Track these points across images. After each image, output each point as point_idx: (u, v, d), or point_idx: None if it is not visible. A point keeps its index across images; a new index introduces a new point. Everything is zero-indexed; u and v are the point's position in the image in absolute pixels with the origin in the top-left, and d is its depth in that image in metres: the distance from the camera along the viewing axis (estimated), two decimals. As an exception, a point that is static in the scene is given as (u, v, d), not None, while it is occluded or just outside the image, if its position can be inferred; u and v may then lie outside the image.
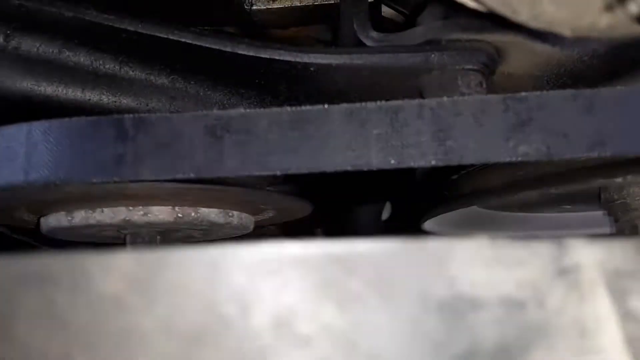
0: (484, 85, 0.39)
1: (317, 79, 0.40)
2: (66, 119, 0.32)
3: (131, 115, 0.32)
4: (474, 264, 0.20)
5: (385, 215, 1.08)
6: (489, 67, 0.40)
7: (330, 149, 0.32)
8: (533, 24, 0.31)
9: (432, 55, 0.38)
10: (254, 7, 0.47)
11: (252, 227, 0.45)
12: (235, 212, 0.42)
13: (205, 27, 0.54)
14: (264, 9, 0.47)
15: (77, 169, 0.32)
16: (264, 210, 0.46)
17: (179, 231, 0.43)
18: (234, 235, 0.46)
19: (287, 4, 0.47)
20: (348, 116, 0.32)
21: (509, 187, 0.42)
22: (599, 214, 0.57)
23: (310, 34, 0.60)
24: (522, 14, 0.30)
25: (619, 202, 0.51)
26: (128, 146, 0.32)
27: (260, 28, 0.50)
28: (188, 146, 0.32)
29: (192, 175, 0.32)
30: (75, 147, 0.32)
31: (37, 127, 0.32)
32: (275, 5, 0.47)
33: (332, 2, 0.48)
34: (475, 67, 0.39)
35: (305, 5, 0.48)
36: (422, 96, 0.41)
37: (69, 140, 0.32)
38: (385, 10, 0.54)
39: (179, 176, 0.32)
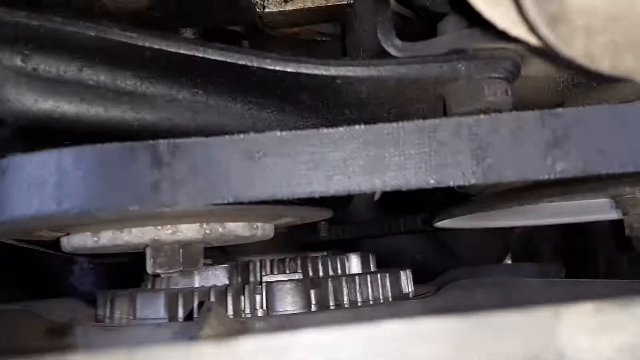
0: (509, 93, 0.39)
1: (341, 89, 0.39)
2: (98, 146, 0.31)
3: (166, 141, 0.31)
4: (579, 332, 0.20)
5: (376, 197, 1.08)
6: (514, 75, 0.40)
7: (367, 170, 0.32)
8: (611, 72, 0.31)
9: (460, 65, 0.38)
10: (267, 10, 0.46)
11: (272, 234, 0.45)
12: (259, 224, 0.42)
13: (209, 24, 0.53)
14: (276, 12, 0.46)
15: (112, 198, 0.31)
16: (284, 217, 0.45)
17: (200, 242, 0.42)
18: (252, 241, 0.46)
19: (300, 5, 0.46)
20: (386, 135, 0.32)
21: (532, 192, 0.42)
22: (602, 201, 0.58)
23: (314, 29, 0.59)
24: (603, 65, 0.31)
25: (628, 196, 0.52)
26: (164, 173, 0.31)
27: (270, 29, 0.49)
28: (225, 170, 0.31)
29: (230, 200, 0.31)
30: (109, 174, 0.31)
31: (68, 154, 0.31)
32: (288, 7, 0.46)
33: (345, 2, 0.47)
34: (501, 76, 0.38)
35: (317, 7, 0.47)
36: (445, 105, 0.41)
37: (102, 168, 0.31)
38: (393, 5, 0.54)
39: (217, 201, 0.31)
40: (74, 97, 0.36)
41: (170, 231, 0.37)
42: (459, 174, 0.32)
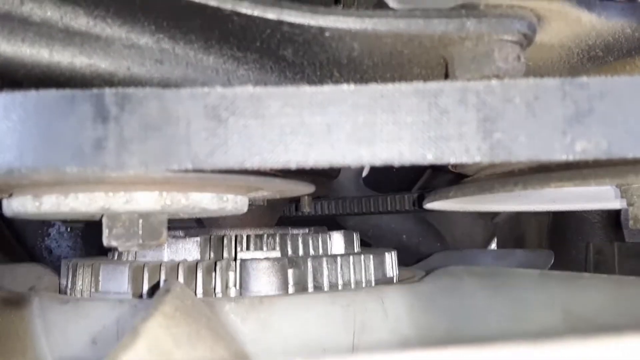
0: (522, 60, 0.34)
1: (330, 45, 0.34)
2: (31, 92, 0.26)
3: (114, 90, 0.25)
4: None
5: (364, 173, 1.05)
6: (528, 39, 0.34)
7: (354, 139, 0.27)
8: None
9: (468, 22, 0.32)
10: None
11: (246, 208, 0.40)
12: (230, 196, 0.36)
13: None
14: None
15: (47, 155, 0.26)
16: (259, 190, 0.40)
17: (161, 214, 0.37)
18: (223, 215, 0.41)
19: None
20: (380, 98, 0.26)
21: (540, 175, 0.38)
22: (606, 188, 0.54)
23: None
24: None
25: (635, 185, 0.47)
26: (110, 129, 0.25)
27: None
28: (184, 131, 0.26)
29: (189, 167, 0.26)
30: (45, 127, 0.25)
31: (-5, 101, 0.25)
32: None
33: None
34: (514, 39, 0.33)
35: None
36: (447, 69, 0.36)
37: (37, 119, 0.25)
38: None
39: (173, 167, 0.26)
40: (13, 35, 0.30)
41: (123, 200, 0.32)
42: (462, 149, 0.27)
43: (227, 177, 0.32)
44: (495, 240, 1.08)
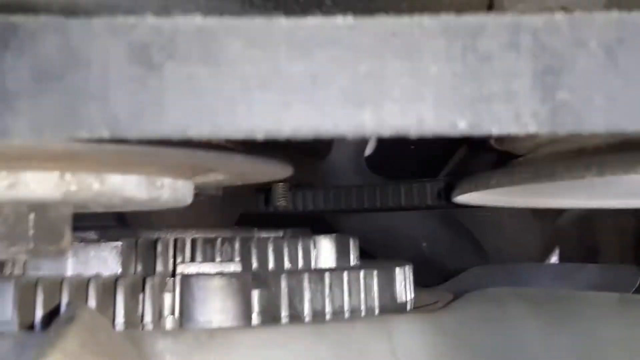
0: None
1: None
2: None
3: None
4: None
5: (368, 151, 1.05)
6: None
7: (352, 96, 0.27)
8: None
9: None
10: None
11: (190, 199, 0.41)
12: (166, 181, 0.37)
13: None
14: None
15: None
16: (211, 172, 0.41)
17: (64, 205, 0.38)
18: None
19: None
20: (391, 38, 0.27)
21: (623, 156, 0.38)
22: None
23: None
24: None
25: None
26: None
27: None
28: (99, 81, 0.26)
29: (105, 134, 0.26)
30: None
31: None
32: None
33: None
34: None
35: None
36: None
37: None
38: None
39: (81, 135, 0.26)
40: None
41: (5, 183, 0.32)
42: (511, 114, 0.27)
43: (162, 152, 0.32)
44: (557, 251, 1.09)
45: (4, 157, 0.31)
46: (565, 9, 0.34)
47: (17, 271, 0.54)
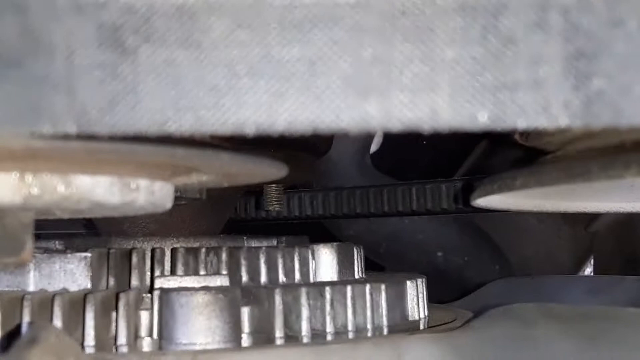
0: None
1: None
2: None
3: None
4: None
5: (374, 147, 1.06)
6: None
7: (354, 85, 0.27)
8: None
9: None
10: None
11: (169, 204, 0.41)
12: (142, 182, 0.37)
13: None
14: None
15: None
16: (193, 172, 0.41)
17: (25, 210, 0.38)
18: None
19: None
20: (399, 15, 0.27)
21: None
22: None
23: None
24: None
25: None
26: None
27: None
28: (64, 69, 0.27)
29: (71, 129, 0.27)
30: None
31: None
32: None
33: None
34: None
35: None
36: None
37: None
38: None
39: (44, 129, 0.27)
40: None
41: None
42: (539, 105, 0.28)
43: (137, 149, 0.32)
44: (592, 261, 1.10)
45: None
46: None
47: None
